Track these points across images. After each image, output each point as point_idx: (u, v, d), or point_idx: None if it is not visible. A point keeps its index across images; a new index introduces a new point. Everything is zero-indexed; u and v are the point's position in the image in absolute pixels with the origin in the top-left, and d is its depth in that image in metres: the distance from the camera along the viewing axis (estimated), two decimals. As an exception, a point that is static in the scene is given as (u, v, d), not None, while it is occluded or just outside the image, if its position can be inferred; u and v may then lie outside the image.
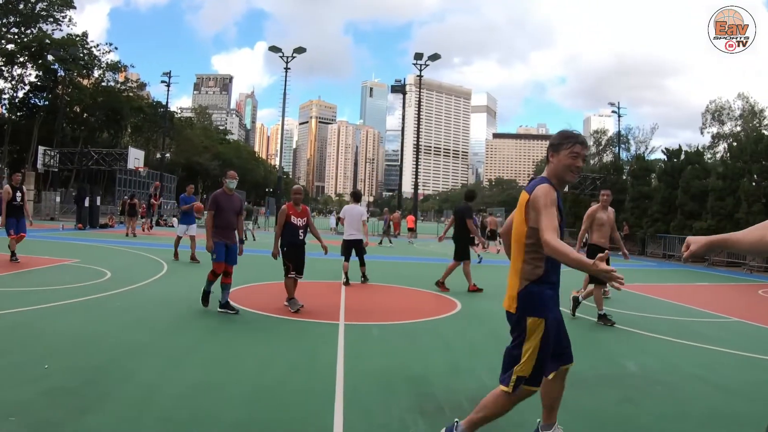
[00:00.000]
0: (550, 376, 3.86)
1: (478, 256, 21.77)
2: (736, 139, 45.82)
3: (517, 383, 3.61)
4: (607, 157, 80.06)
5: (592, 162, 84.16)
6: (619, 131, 63.72)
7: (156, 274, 13.03)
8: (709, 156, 52.79)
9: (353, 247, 13.24)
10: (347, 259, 13.16)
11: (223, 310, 8.81)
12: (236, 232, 9.19)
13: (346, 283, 12.79)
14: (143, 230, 31.81)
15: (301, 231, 9.53)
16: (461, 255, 12.84)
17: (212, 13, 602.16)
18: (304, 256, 9.63)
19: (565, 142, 3.69)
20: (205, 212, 9.17)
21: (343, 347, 6.95)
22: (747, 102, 65.62)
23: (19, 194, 13.98)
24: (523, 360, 3.61)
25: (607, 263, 9.13)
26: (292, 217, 9.48)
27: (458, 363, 6.53)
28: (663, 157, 36.65)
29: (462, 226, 12.81)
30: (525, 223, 3.65)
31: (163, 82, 58.84)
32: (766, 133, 31.47)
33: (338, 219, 42.05)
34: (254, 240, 28.75)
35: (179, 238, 17.19)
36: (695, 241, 2.81)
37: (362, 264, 13.38)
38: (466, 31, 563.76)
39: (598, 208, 10.30)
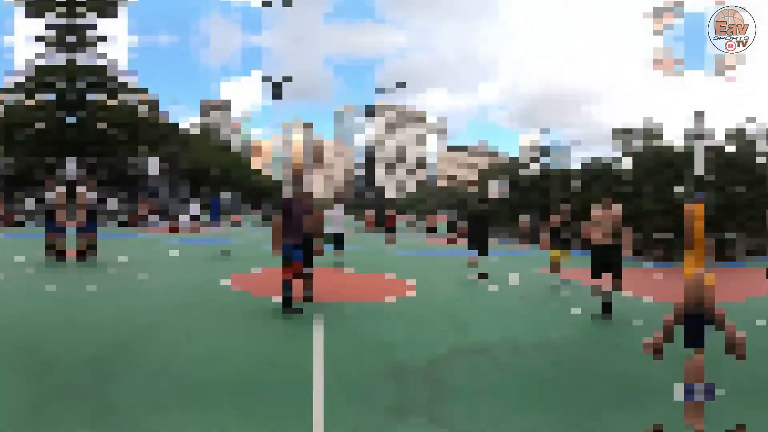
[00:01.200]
0: None
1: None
2: (639, 156, 46.32)
3: None
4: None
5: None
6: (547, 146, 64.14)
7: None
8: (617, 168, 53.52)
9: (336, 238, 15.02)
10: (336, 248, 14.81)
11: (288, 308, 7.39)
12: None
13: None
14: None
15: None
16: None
17: (218, 47, 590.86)
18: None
19: None
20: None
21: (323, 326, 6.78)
22: (650, 122, 66.72)
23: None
24: None
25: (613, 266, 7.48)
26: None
27: (417, 338, 6.43)
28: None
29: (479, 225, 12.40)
30: None
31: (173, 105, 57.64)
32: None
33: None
34: None
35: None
36: None
37: (341, 249, 14.98)
38: (423, 66, 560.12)
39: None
